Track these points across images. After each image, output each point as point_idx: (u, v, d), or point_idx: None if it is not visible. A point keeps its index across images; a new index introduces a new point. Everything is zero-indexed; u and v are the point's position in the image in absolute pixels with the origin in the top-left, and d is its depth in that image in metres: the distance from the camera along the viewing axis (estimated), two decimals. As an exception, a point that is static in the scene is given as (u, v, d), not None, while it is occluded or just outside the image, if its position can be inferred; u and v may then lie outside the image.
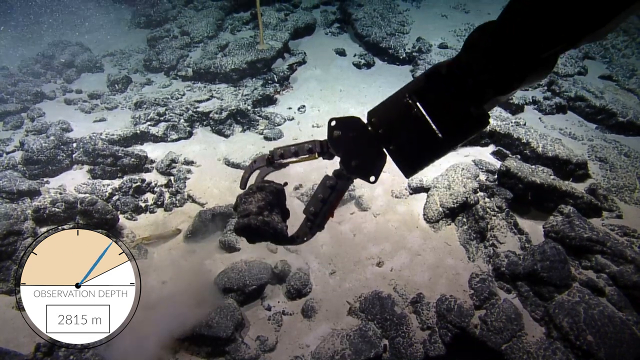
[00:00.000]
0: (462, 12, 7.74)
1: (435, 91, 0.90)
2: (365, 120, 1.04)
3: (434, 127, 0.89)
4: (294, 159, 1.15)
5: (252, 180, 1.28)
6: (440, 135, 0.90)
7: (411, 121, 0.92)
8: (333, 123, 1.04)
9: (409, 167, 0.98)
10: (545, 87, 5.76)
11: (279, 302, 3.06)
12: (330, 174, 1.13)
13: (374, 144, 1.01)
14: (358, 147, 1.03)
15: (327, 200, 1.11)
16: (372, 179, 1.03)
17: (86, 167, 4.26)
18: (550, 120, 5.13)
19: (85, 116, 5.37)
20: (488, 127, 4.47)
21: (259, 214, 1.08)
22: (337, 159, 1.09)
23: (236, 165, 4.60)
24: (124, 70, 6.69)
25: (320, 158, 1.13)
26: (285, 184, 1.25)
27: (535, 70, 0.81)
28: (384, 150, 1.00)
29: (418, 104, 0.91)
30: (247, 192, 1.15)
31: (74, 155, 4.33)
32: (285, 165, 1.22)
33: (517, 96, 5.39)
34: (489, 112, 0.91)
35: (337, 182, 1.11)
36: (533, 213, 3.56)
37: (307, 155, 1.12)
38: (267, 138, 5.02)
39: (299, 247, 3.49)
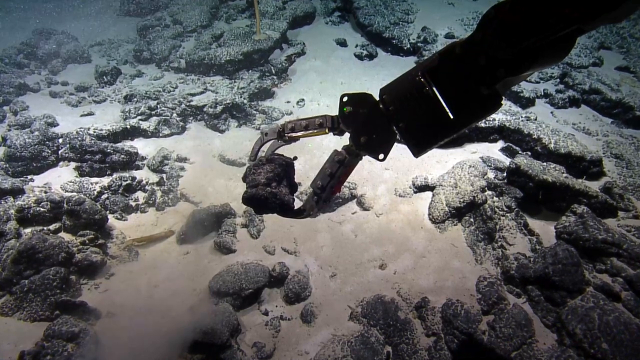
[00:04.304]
0: (470, 0, 7.63)
1: (448, 70, 0.92)
2: (377, 97, 1.06)
3: (445, 106, 0.92)
4: (304, 133, 1.21)
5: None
6: (451, 115, 0.92)
7: (422, 100, 0.94)
8: (345, 99, 1.10)
9: (417, 146, 1.00)
10: (558, 80, 5.68)
11: (276, 306, 3.05)
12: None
13: (385, 121, 1.04)
14: (368, 123, 1.07)
15: (334, 175, 1.16)
16: (381, 156, 1.07)
17: (73, 164, 4.21)
18: (563, 115, 5.07)
19: (71, 110, 5.31)
20: (498, 121, 4.44)
21: (267, 185, 1.14)
22: (347, 136, 1.14)
23: (232, 162, 4.58)
24: (113, 61, 6.62)
25: (331, 134, 1.18)
26: (295, 158, 1.29)
27: (548, 52, 0.81)
28: (394, 128, 1.02)
29: (430, 82, 0.92)
30: (257, 164, 1.21)
31: (60, 152, 4.28)
32: (296, 139, 1.27)
33: (528, 89, 5.33)
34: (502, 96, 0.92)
35: (345, 158, 1.14)
36: (544, 213, 3.53)
37: (317, 130, 1.18)
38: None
39: (298, 249, 3.48)
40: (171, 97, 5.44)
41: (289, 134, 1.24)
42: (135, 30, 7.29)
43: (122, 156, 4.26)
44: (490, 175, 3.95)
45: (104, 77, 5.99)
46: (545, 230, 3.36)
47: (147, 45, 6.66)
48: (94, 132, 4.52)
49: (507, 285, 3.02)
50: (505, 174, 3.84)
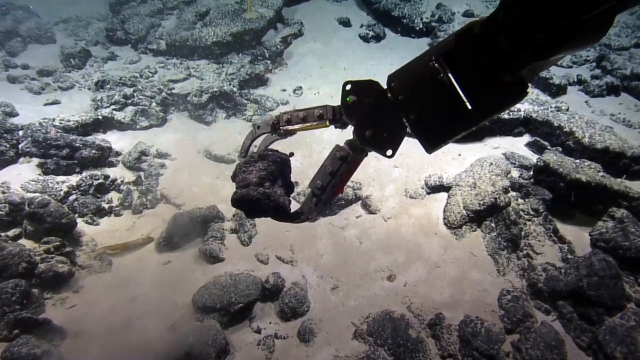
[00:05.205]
0: (492, -27, 7.57)
1: (466, 54, 0.90)
2: (384, 85, 1.05)
3: (462, 95, 0.91)
4: (302, 125, 1.20)
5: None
6: (469, 105, 0.91)
7: (436, 88, 0.93)
8: (348, 86, 1.08)
9: (430, 141, 1.00)
10: (594, 63, 5.64)
11: (270, 323, 3.04)
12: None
13: (393, 112, 1.03)
14: (374, 115, 1.06)
15: (336, 174, 1.15)
16: (389, 152, 1.06)
17: (36, 161, 4.17)
18: (599, 104, 5.05)
19: (33, 98, 5.27)
20: (523, 111, 4.41)
21: (260, 184, 1.12)
22: (350, 129, 1.12)
23: (219, 159, 4.56)
24: (82, 41, 6.58)
25: (332, 127, 1.17)
26: (292, 154, 1.29)
27: (582, 32, 0.79)
28: (404, 120, 1.02)
29: (446, 67, 0.91)
30: (248, 161, 1.20)
31: (20, 146, 4.23)
32: (292, 132, 1.26)
33: (559, 75, 5.31)
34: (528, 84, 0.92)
35: (349, 154, 1.13)
36: (577, 218, 3.52)
37: (316, 122, 1.17)
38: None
39: (295, 258, 3.47)
40: (150, 84, 5.41)
41: (285, 127, 1.23)
42: (107, 6, 7.24)
43: (93, 151, 4.23)
44: (515, 174, 3.94)
45: (71, 60, 5.94)
46: (579, 237, 3.35)
47: (121, 23, 6.61)
48: (60, 123, 4.49)
49: (535, 300, 3.01)
50: (532, 173, 3.83)
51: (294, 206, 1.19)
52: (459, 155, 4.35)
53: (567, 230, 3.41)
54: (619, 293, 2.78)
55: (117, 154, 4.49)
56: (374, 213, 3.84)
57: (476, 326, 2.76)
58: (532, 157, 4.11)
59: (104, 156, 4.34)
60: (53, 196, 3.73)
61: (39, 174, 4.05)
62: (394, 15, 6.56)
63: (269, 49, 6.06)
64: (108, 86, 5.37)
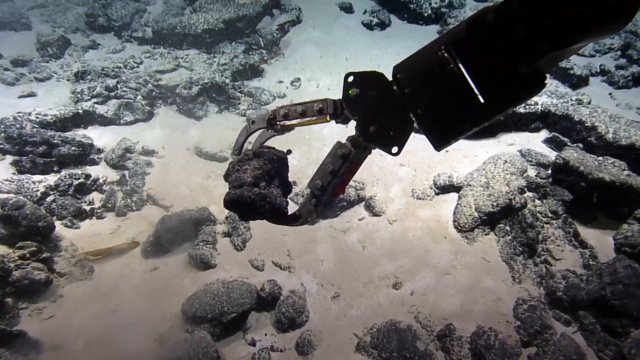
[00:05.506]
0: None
1: (478, 43, 0.91)
2: (390, 77, 1.05)
3: (474, 88, 0.91)
4: (300, 121, 1.20)
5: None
6: (481, 98, 0.91)
7: (446, 79, 0.94)
8: (350, 78, 1.09)
9: (440, 137, 1.00)
10: (619, 52, 5.65)
11: (266, 335, 3.05)
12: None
13: (399, 106, 1.04)
14: (379, 109, 1.07)
15: (337, 173, 1.15)
16: (395, 149, 1.07)
17: (10, 158, 4.17)
18: (624, 97, 5.05)
19: (7, 89, 5.26)
20: (541, 105, 4.41)
21: (255, 184, 1.13)
22: (353, 124, 1.14)
23: (211, 156, 4.57)
24: (60, 28, 6.56)
25: (333, 122, 1.17)
26: (289, 151, 1.29)
27: (604, 19, 0.80)
28: (411, 115, 1.03)
29: (456, 58, 0.92)
30: (242, 159, 1.21)
31: (-6, 143, 4.25)
32: (290, 128, 1.27)
33: (580, 65, 5.31)
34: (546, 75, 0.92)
35: (351, 151, 1.13)
36: (600, 220, 3.53)
37: (316, 117, 1.17)
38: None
39: (293, 264, 3.48)
40: (135, 75, 5.42)
41: (282, 122, 1.24)
42: (88, -10, 7.23)
43: (73, 148, 4.24)
44: (531, 172, 3.94)
45: (48, 48, 5.93)
46: (602, 241, 3.35)
47: (103, 8, 6.62)
48: (37, 117, 4.48)
49: (553, 310, 3.02)
50: (550, 172, 3.84)
51: (292, 208, 1.19)
52: (471, 153, 4.36)
53: (588, 234, 3.42)
54: (645, 302, 2.79)
55: (99, 151, 4.49)
56: (379, 215, 3.85)
57: (489, 338, 2.76)
58: (551, 155, 4.12)
59: (85, 153, 4.34)
60: (29, 197, 3.74)
61: (14, 173, 4.05)
62: (400, 0, 6.57)
63: (265, 38, 6.07)
64: (89, 77, 5.37)
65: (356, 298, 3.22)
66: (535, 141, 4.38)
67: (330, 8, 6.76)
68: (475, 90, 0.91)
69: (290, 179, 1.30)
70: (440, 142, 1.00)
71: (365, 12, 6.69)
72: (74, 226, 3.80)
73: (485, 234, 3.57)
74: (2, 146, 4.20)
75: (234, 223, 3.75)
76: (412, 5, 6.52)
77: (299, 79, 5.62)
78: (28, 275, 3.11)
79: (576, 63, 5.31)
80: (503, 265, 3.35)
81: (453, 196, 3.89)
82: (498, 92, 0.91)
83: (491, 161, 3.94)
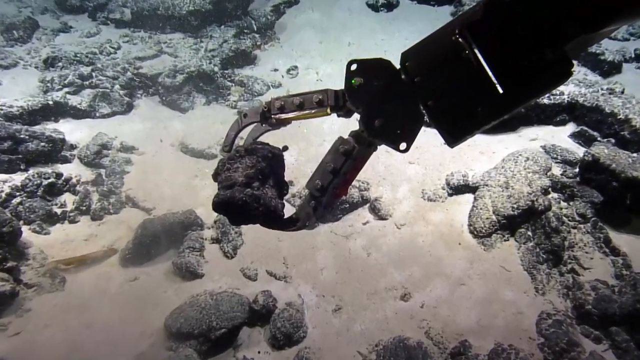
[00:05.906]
0: None
1: (496, 26, 0.90)
2: (397, 65, 1.05)
3: (491, 76, 0.91)
4: (297, 114, 1.21)
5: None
6: (500, 88, 0.91)
7: (460, 67, 0.94)
8: (353, 66, 1.09)
9: (452, 132, 1.00)
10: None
11: (259, 352, 3.03)
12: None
13: (408, 97, 1.04)
14: (385, 100, 1.08)
15: (338, 172, 1.16)
16: (403, 145, 1.07)
17: (-26, 156, 4.17)
18: (660, 86, 5.08)
19: (-31, 79, 5.30)
20: (567, 95, 4.38)
21: (247, 185, 1.13)
22: (356, 117, 1.12)
23: (198, 153, 4.57)
24: (26, 8, 6.52)
25: (334, 115, 1.18)
26: (285, 148, 1.30)
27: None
28: (421, 107, 1.03)
29: (472, 43, 0.92)
30: (233, 156, 1.21)
31: (-45, 138, 4.22)
32: (286, 122, 1.29)
33: (612, 50, 5.28)
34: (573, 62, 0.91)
35: (354, 148, 1.13)
36: (634, 224, 3.51)
37: (315, 110, 1.18)
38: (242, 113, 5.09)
39: (289, 273, 3.47)
40: (112, 62, 5.40)
41: (277, 115, 1.24)
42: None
43: (42, 144, 4.21)
44: (557, 171, 3.93)
45: (14, 31, 5.90)
46: (636, 248, 3.34)
47: (78, -12, 6.59)
48: (1, 109, 4.48)
49: (582, 325, 3.00)
50: (577, 170, 3.83)
51: (288, 211, 1.18)
52: (489, 149, 4.33)
53: (621, 239, 3.41)
54: (684, 317, 2.78)
55: (72, 147, 4.48)
56: (385, 219, 3.85)
57: (509, 356, 2.74)
58: (578, 151, 4.10)
59: (56, 150, 4.32)
60: (-7, 199, 3.72)
61: (-24, 172, 4.04)
62: (409, -22, 6.54)
63: (258, 20, 6.06)
64: (60, 64, 5.36)
65: (360, 311, 3.21)
66: (561, 136, 4.38)
67: (331, -13, 6.75)
68: (493, 79, 0.91)
69: (286, 179, 1.30)
70: (453, 137, 1.00)
71: (370, -9, 6.67)
72: (43, 231, 3.79)
73: (505, 240, 3.56)
74: (-37, 142, 4.18)
75: (224, 228, 3.75)
76: (422, -16, 6.50)
77: (296, 67, 5.63)
78: (-9, 287, 3.08)
79: (607, 48, 5.29)
80: (524, 274, 3.34)
81: (468, 197, 3.89)
82: (519, 81, 0.91)
83: (511, 158, 3.93)
